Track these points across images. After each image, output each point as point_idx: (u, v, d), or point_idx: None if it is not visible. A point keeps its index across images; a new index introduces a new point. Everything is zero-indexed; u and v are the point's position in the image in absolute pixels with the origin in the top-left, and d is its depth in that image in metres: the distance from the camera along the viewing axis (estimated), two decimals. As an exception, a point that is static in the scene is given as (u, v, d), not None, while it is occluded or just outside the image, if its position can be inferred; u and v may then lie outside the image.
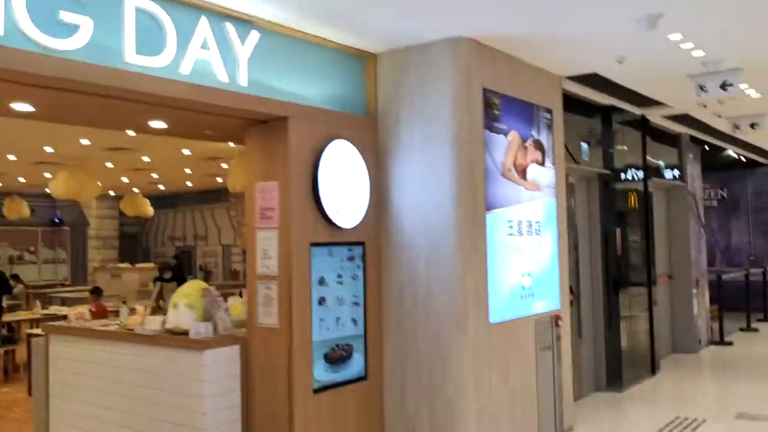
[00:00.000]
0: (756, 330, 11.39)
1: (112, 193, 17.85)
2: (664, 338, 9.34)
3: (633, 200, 8.06)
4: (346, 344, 4.74)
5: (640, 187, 8.14)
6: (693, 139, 10.09)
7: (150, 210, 15.99)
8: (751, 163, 13.97)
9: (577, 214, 7.18)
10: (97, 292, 9.64)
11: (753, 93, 7.17)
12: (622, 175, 7.72)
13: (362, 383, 4.88)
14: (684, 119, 8.82)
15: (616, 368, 7.32)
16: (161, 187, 16.69)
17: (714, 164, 14.03)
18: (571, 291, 6.83)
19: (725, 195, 14.58)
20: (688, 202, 9.68)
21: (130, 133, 8.40)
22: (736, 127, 8.52)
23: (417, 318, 4.87)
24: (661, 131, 9.33)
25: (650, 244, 8.28)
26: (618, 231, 7.62)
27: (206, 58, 3.97)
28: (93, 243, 19.14)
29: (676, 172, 9.68)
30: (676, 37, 5.04)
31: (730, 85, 6.04)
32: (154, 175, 14.39)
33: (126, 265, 16.83)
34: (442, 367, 4.74)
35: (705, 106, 7.64)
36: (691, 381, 7.91)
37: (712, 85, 6.12)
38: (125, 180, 14.84)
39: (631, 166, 7.99)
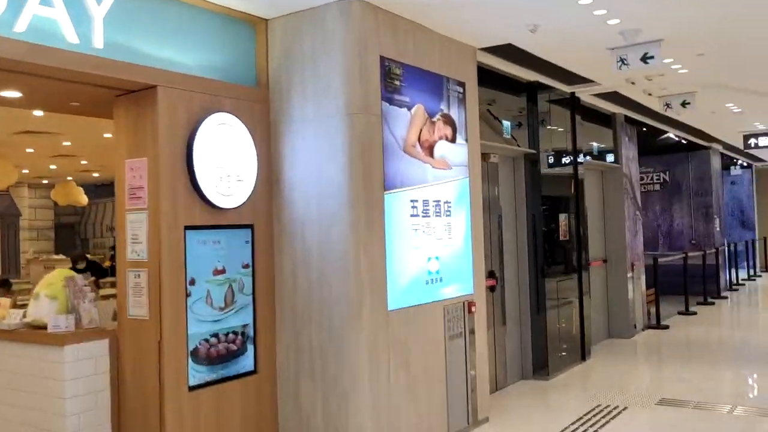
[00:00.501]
0: (694, 313, 11.32)
1: (45, 181, 17.09)
2: (599, 323, 9.16)
3: (562, 182, 7.80)
4: (232, 335, 4.34)
5: (570, 168, 7.88)
6: (629, 120, 9.90)
7: (84, 198, 15.33)
8: (693, 146, 13.93)
9: (502, 196, 6.88)
10: (5, 284, 9.03)
11: (680, 69, 6.96)
12: (551, 156, 7.44)
13: (252, 377, 4.48)
14: (614, 97, 8.58)
15: (542, 355, 7.07)
16: (95, 174, 15.98)
17: (656, 147, 13.98)
18: (494, 276, 6.55)
19: (667, 178, 14.52)
20: (623, 185, 9.48)
21: (37, 113, 7.86)
22: (668, 105, 8.33)
23: (311, 306, 4.50)
24: (595, 111, 9.11)
25: (581, 227, 8.03)
26: (546, 213, 7.35)
27: (49, 16, 3.50)
28: (26, 234, 18.30)
29: (611, 154, 9.47)
30: (586, 0, 4.73)
31: (651, 57, 5.78)
32: (84, 162, 13.72)
33: (60, 256, 16.10)
34: (337, 358, 4.37)
35: (633, 83, 7.41)
36: (621, 366, 7.71)
37: (632, 57, 5.87)
38: (53, 167, 14.15)
39: (560, 147, 7.72)
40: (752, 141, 12.08)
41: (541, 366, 7.06)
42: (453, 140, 5.35)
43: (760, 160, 19.10)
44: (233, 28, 4.60)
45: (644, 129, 11.00)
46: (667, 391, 6.36)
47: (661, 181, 14.57)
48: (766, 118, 10.97)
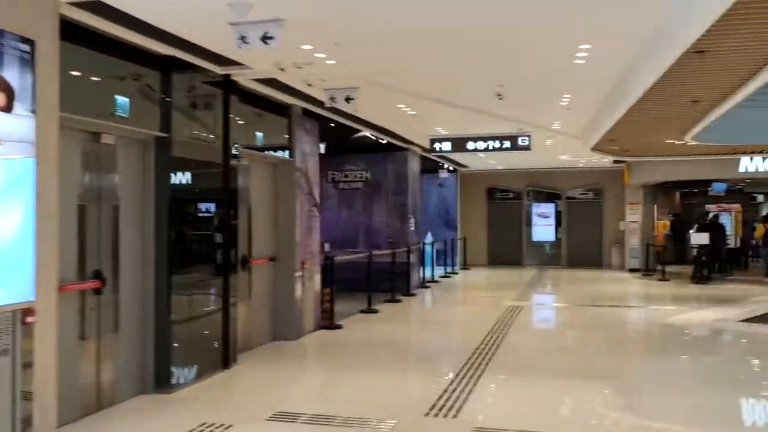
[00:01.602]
0: (376, 311, 11.39)
1: None
2: (264, 325, 8.64)
3: (213, 173, 7.06)
4: None
5: (219, 157, 7.16)
6: (311, 114, 9.52)
7: None
8: (394, 147, 14.23)
9: (121, 184, 5.92)
10: None
11: (327, 59, 6.57)
12: (198, 143, 6.64)
13: None
14: (288, 88, 8.10)
15: (166, 365, 6.24)
16: None
17: (361, 146, 14.05)
18: (100, 276, 5.58)
19: (369, 177, 14.70)
20: (297, 180, 9.06)
21: None
22: (332, 99, 8.02)
23: None
24: (269, 101, 8.55)
25: (231, 222, 7.36)
26: (186, 207, 6.55)
27: None
28: None
29: (285, 147, 9.00)
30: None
31: (271, 38, 5.24)
32: None
33: None
34: None
35: (282, 69, 6.90)
36: (268, 374, 7.19)
37: (253, 36, 5.28)
38: None
39: (213, 133, 6.97)
40: (437, 145, 12.55)
41: (165, 378, 6.24)
42: (8, 110, 4.26)
43: (464, 165, 20.51)
44: None
45: (333, 125, 10.78)
46: (293, 402, 5.92)
47: (363, 179, 14.71)
48: (445, 123, 11.39)
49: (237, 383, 6.78)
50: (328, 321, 9.85)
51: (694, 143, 11.68)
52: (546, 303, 13.38)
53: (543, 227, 21.81)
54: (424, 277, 15.64)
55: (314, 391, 6.71)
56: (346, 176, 14.82)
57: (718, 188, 19.26)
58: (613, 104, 8.44)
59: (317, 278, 9.71)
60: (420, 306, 12.76)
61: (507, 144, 12.11)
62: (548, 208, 21.80)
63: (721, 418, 5.59)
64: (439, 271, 18.00)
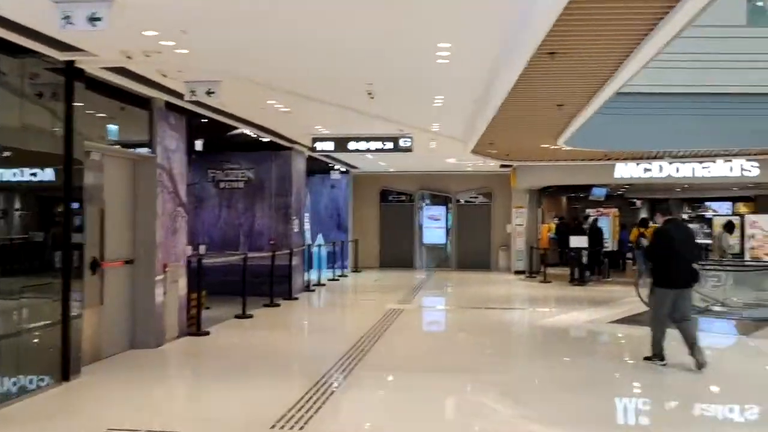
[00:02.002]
0: (251, 317, 10.95)
1: None
2: (119, 332, 8.05)
3: (48, 165, 6.46)
4: None
5: (59, 149, 6.56)
6: (177, 108, 8.99)
7: None
8: (279, 147, 13.83)
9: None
10: None
11: (176, 47, 6.13)
12: (18, 130, 6.04)
13: None
14: (132, 76, 7.53)
15: (-14, 381, 5.62)
16: None
17: (241, 144, 13.57)
18: None
19: (252, 177, 14.22)
20: (158, 178, 8.52)
21: None
22: (193, 92, 7.57)
23: None
24: (128, 93, 7.98)
25: (74, 221, 6.77)
26: (10, 202, 5.93)
27: None
28: None
29: (145, 142, 8.45)
30: None
31: (98, 19, 4.76)
32: None
33: None
34: None
35: (130, 57, 6.41)
36: (108, 387, 6.60)
37: (79, 16, 4.79)
38: None
39: (52, 124, 6.37)
40: (319, 144, 12.27)
41: (-15, 394, 5.61)
42: None
43: (356, 167, 20.34)
44: None
45: (205, 121, 10.29)
46: (131, 419, 5.44)
47: (246, 179, 14.22)
48: (325, 122, 11.12)
49: (73, 398, 6.21)
50: (194, 327, 9.35)
51: (569, 148, 11.97)
52: (429, 305, 13.36)
53: (434, 230, 21.96)
54: (308, 281, 15.30)
55: (157, 405, 6.24)
56: (227, 175, 14.28)
57: (598, 193, 20.02)
58: (484, 106, 8.44)
59: (183, 282, 9.18)
60: (299, 310, 12.42)
61: (389, 145, 11.98)
62: (439, 211, 21.98)
63: (582, 417, 5.59)
64: (329, 273, 17.74)
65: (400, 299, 13.58)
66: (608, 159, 15.34)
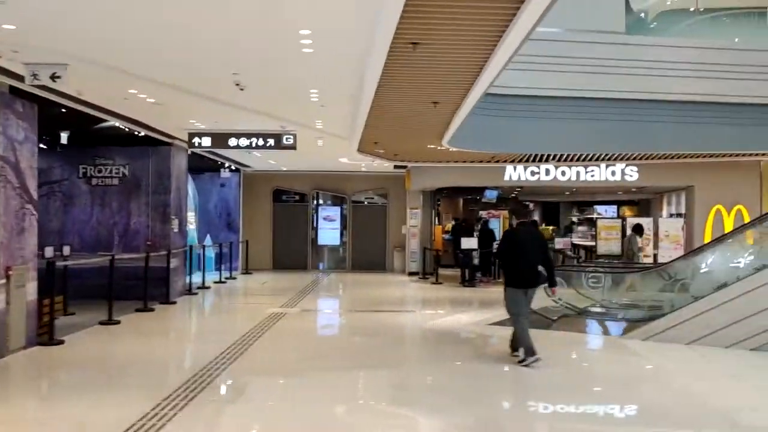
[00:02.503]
0: (118, 323, 10.16)
1: None
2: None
3: None
4: None
5: None
6: (25, 94, 8.15)
7: None
8: (154, 141, 13.02)
9: None
10: None
11: (4, 24, 5.43)
12: None
13: None
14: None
15: None
16: None
17: (115, 138, 12.68)
18: None
19: (127, 173, 13.32)
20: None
21: None
22: (35, 76, 6.82)
23: None
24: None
25: None
26: None
27: None
28: None
29: (-15, 131, 7.59)
30: None
31: None
32: None
33: None
34: None
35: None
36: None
37: None
38: None
39: None
40: (196, 140, 11.61)
41: None
42: None
43: (247, 165, 19.64)
44: None
45: (64, 111, 9.44)
46: None
47: (121, 175, 13.31)
48: (201, 116, 10.50)
49: None
50: (46, 336, 8.52)
51: (455, 149, 11.87)
52: (313, 309, 12.89)
53: (329, 231, 21.55)
54: (190, 284, 14.52)
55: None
56: (99, 171, 13.31)
57: (490, 195, 20.23)
58: (358, 102, 8.11)
59: (32, 286, 8.34)
60: (174, 316, 11.68)
61: (271, 142, 11.48)
62: (334, 212, 21.59)
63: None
64: (217, 276, 17.00)
65: (284, 303, 13.07)
66: (497, 161, 15.43)
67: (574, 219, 25.52)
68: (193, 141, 11.61)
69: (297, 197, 21.41)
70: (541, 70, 11.79)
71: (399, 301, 13.82)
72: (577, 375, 7.75)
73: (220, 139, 11.56)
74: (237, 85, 7.60)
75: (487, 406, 6.30)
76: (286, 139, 11.43)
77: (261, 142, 11.48)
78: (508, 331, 10.09)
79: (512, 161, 15.58)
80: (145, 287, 11.73)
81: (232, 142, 11.54)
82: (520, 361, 7.56)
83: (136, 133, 11.99)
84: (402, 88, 6.74)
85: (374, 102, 7.32)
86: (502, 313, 11.50)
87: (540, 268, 7.75)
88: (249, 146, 11.58)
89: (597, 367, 8.18)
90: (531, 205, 28.25)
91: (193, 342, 9.53)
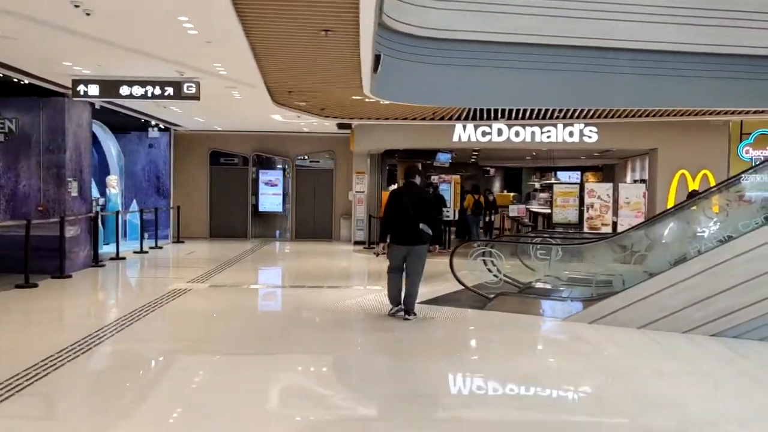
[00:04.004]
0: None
1: None
2: None
3: None
4: None
5: None
6: None
7: None
8: (47, 92, 11.29)
9: None
10: None
11: None
12: None
13: None
14: None
15: None
16: None
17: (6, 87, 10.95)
18: None
19: (14, 128, 11.59)
20: None
21: None
22: None
23: None
24: None
25: None
26: None
27: None
28: None
29: None
30: None
31: None
32: None
33: None
34: None
35: None
36: None
37: None
38: None
39: None
40: (81, 88, 9.92)
41: None
42: None
43: (177, 125, 17.93)
44: None
45: None
46: None
47: (6, 130, 11.57)
48: (75, 57, 8.81)
49: None
50: None
51: (389, 102, 10.35)
52: (226, 284, 11.27)
53: (271, 197, 19.98)
54: (96, 255, 12.91)
55: None
56: (-19, 126, 11.56)
57: (443, 158, 18.80)
58: (235, 33, 6.50)
59: None
60: (57, 293, 9.99)
61: (170, 90, 9.84)
62: (276, 176, 20.00)
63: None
64: (143, 245, 15.42)
65: (196, 277, 11.55)
66: (441, 118, 13.92)
67: (537, 186, 24.22)
68: (78, 89, 9.93)
69: (236, 160, 19.76)
70: (485, 10, 10.24)
71: (325, 274, 12.32)
72: (495, 366, 6.41)
73: (110, 87, 9.89)
74: (76, 6, 5.95)
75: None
76: (188, 87, 9.80)
77: (158, 90, 9.83)
78: (443, 311, 8.79)
79: (458, 118, 14.05)
80: (26, 259, 10.12)
81: (124, 90, 9.87)
82: (405, 318, 8.00)
83: (16, 80, 10.26)
84: (278, 9, 5.19)
85: (253, 30, 5.77)
86: (437, 289, 10.20)
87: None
88: (145, 96, 9.92)
89: (524, 361, 6.84)
90: (492, 171, 26.86)
91: (49, 327, 7.84)
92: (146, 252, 15.44)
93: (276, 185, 19.94)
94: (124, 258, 13.93)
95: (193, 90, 9.80)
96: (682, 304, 7.38)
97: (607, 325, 7.81)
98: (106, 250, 14.38)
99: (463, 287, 9.45)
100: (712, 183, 14.43)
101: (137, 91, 9.86)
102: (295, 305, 9.53)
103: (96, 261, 12.86)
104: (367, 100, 10.19)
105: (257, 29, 6.03)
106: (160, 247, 16.44)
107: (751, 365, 6.57)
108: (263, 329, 7.88)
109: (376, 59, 8.60)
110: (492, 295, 8.97)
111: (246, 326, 7.92)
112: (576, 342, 7.44)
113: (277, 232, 19.83)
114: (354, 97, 10.11)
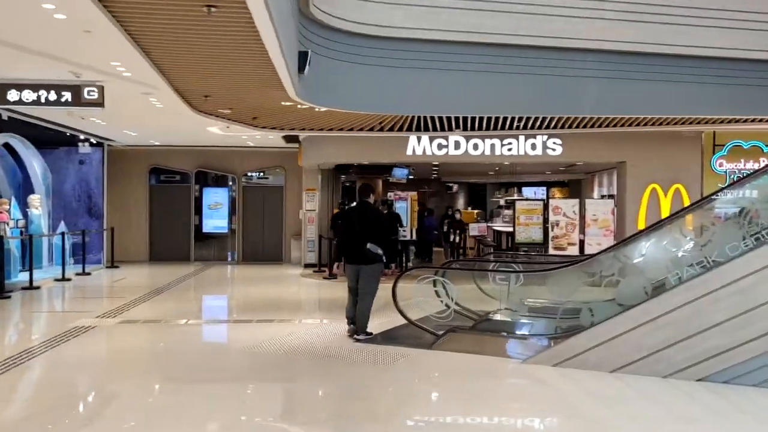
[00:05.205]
0: None
1: None
2: None
3: None
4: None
5: None
6: None
7: None
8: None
9: None
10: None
11: None
12: None
13: None
14: None
15: None
16: None
17: None
18: None
19: None
20: None
21: None
22: None
23: None
24: None
25: None
26: None
27: None
28: None
29: None
30: None
31: None
32: None
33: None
34: None
35: None
36: None
37: None
38: None
39: None
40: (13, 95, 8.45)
41: None
42: None
43: (111, 139, 16.46)
44: None
45: None
46: None
47: None
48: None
49: None
50: None
51: (323, 109, 9.09)
52: (141, 319, 9.65)
53: (216, 217, 18.54)
54: (1, 284, 11.35)
55: None
56: None
57: (399, 174, 17.59)
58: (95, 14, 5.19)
59: None
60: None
61: (67, 96, 8.46)
62: (222, 194, 18.58)
63: None
64: (69, 270, 13.88)
65: (112, 310, 10.08)
66: (391, 129, 12.69)
67: (501, 202, 23.12)
68: (8, 97, 8.47)
69: (178, 177, 18.31)
70: (433, 5, 9.09)
71: (264, 305, 10.90)
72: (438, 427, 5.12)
73: (-5, 91, 8.47)
74: None
75: None
76: (89, 92, 8.42)
77: (53, 96, 8.44)
78: (384, 352, 7.51)
79: (410, 128, 12.81)
80: None
81: (13, 95, 8.45)
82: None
83: None
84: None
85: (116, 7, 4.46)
86: (392, 321, 8.85)
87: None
88: (38, 101, 8.51)
89: (470, 425, 5.56)
90: (455, 187, 25.69)
91: None
92: (69, 279, 13.88)
93: (221, 204, 18.52)
94: (38, 287, 12.38)
95: (95, 95, 8.42)
96: (662, 343, 6.19)
97: (576, 368, 6.57)
98: (21, 278, 12.85)
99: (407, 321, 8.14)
100: (686, 199, 13.43)
101: (28, 96, 8.45)
102: (212, 348, 8.14)
103: (1, 291, 11.31)
104: (300, 106, 8.91)
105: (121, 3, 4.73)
106: (88, 273, 14.88)
107: (749, 419, 5.38)
108: (143, 393, 6.47)
109: (303, 56, 7.37)
110: (441, 332, 7.69)
111: (121, 387, 6.49)
112: (537, 393, 6.18)
113: (229, 254, 18.38)
114: (284, 103, 8.82)
